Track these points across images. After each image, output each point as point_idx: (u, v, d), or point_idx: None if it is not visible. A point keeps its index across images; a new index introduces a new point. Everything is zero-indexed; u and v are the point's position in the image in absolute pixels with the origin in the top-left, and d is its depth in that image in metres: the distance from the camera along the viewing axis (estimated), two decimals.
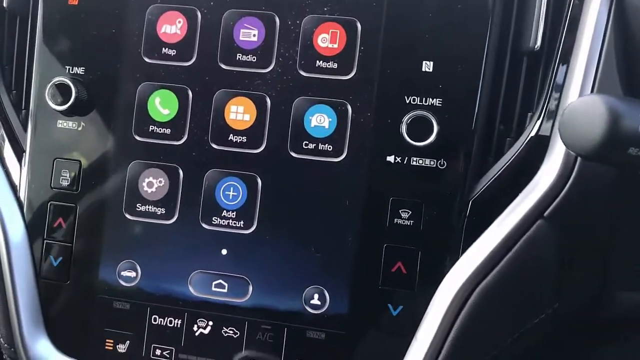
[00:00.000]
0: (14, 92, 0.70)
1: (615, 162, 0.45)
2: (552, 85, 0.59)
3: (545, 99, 0.59)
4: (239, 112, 0.62)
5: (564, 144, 0.45)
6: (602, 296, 0.62)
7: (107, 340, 0.63)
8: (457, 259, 0.58)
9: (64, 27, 0.65)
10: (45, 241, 0.65)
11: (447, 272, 0.58)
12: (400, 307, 0.59)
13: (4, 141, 0.68)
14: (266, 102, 0.61)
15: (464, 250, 0.58)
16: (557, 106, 0.59)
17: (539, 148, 0.58)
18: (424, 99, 0.59)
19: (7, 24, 0.70)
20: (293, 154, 0.61)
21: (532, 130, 0.59)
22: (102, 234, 0.64)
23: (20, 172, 0.66)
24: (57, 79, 0.63)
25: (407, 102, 0.59)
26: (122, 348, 0.63)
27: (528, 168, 0.58)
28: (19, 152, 0.67)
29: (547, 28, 0.60)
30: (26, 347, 0.63)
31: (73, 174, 0.64)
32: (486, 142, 0.60)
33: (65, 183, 0.64)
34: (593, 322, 0.67)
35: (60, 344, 0.64)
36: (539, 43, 0.59)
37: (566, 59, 0.58)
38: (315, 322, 0.60)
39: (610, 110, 0.40)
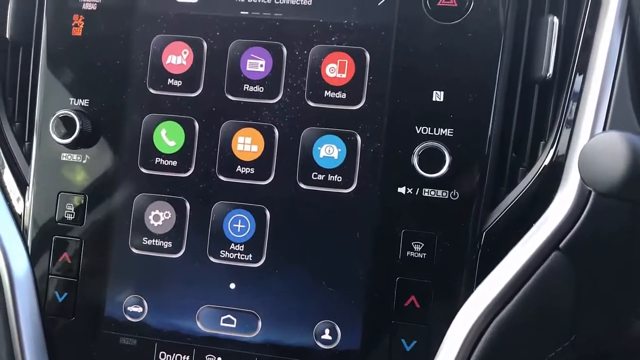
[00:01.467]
0: (17, 123, 0.69)
1: (634, 198, 0.44)
2: (565, 114, 0.58)
3: (558, 128, 0.59)
4: (247, 143, 0.61)
5: (584, 183, 0.44)
6: (620, 327, 0.60)
7: None
8: (472, 292, 0.57)
9: (68, 59, 0.65)
10: (49, 276, 0.64)
11: (462, 305, 0.57)
12: (414, 342, 0.58)
13: (7, 174, 0.67)
14: (274, 132, 0.61)
15: (478, 283, 0.57)
16: (571, 135, 0.58)
17: (552, 178, 0.58)
18: (435, 129, 0.58)
19: (10, 54, 0.69)
20: (302, 185, 0.60)
21: (545, 160, 0.59)
22: (108, 268, 0.63)
23: (23, 206, 0.66)
24: (60, 112, 0.62)
25: (418, 132, 0.58)
26: None
27: (542, 198, 0.58)
28: (22, 185, 0.66)
29: (558, 56, 0.59)
30: None
31: (78, 208, 0.64)
32: (499, 172, 0.60)
33: (69, 217, 0.64)
34: (611, 354, 0.66)
35: None
36: (550, 71, 0.59)
37: (578, 87, 0.58)
38: (326, 358, 0.59)
39: (631, 147, 0.39)
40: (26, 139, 0.68)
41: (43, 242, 0.64)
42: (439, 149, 0.57)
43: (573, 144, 0.57)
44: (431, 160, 0.57)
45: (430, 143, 0.57)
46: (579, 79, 0.58)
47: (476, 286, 0.57)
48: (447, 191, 0.58)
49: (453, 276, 0.58)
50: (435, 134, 0.58)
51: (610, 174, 0.40)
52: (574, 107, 0.58)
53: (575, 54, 0.58)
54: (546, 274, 0.56)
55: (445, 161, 0.56)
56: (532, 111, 0.60)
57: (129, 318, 0.63)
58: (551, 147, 0.58)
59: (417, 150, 0.57)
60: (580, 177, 0.44)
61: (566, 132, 0.58)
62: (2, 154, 0.67)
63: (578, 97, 0.58)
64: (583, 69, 0.58)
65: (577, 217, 0.56)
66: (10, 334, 0.63)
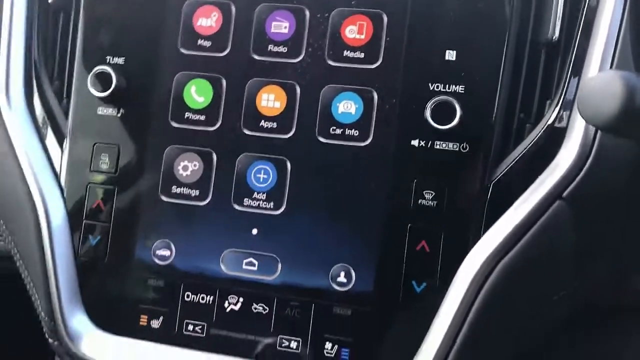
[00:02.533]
0: (57, 82, 0.73)
1: (633, 134, 0.47)
2: (570, 74, 0.61)
3: (563, 87, 0.61)
4: (270, 100, 0.64)
5: (582, 117, 0.47)
6: (622, 279, 0.63)
7: (141, 316, 0.65)
8: (479, 238, 0.59)
9: (105, 20, 0.68)
10: (84, 222, 0.67)
11: (469, 251, 0.59)
12: (424, 284, 0.60)
13: (47, 128, 0.71)
14: (296, 90, 0.64)
15: (485, 230, 0.59)
16: (575, 93, 0.60)
17: (557, 133, 0.60)
18: (447, 85, 0.61)
19: (52, 17, 0.73)
20: (321, 139, 0.63)
21: (550, 116, 0.61)
22: (139, 214, 0.66)
23: (61, 157, 0.69)
24: (98, 68, 0.66)
25: (431, 89, 0.61)
26: (155, 324, 0.65)
27: (547, 152, 0.60)
28: (60, 139, 0.70)
29: (565, 19, 0.62)
30: (65, 321, 0.66)
31: (112, 158, 0.66)
32: (507, 128, 0.62)
33: (104, 166, 0.67)
34: (613, 307, 0.68)
35: (96, 319, 0.67)
36: (557, 34, 0.62)
37: (583, 50, 0.60)
38: (341, 299, 0.62)
39: (627, 83, 0.43)
40: (65, 96, 0.72)
41: (78, 190, 0.67)
42: (450, 103, 0.59)
43: (575, 102, 0.59)
44: (443, 114, 0.59)
45: (442, 97, 0.60)
46: (583, 41, 0.60)
47: (483, 233, 0.59)
48: (458, 144, 0.61)
49: (461, 223, 0.60)
50: (447, 90, 0.61)
51: (607, 108, 0.44)
52: (578, 68, 0.60)
53: (580, 16, 0.61)
54: (549, 222, 0.58)
55: (456, 114, 0.59)
56: (539, 71, 0.63)
57: (157, 261, 0.65)
58: (556, 105, 0.61)
59: (430, 104, 0.60)
60: (579, 111, 0.47)
61: (571, 91, 0.60)
62: (43, 110, 0.71)
63: (582, 59, 0.60)
64: (588, 31, 0.60)
65: (580, 168, 0.57)
66: (47, 275, 0.66)
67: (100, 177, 0.67)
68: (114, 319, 0.66)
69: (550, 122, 0.61)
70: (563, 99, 0.61)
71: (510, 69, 0.62)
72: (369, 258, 0.62)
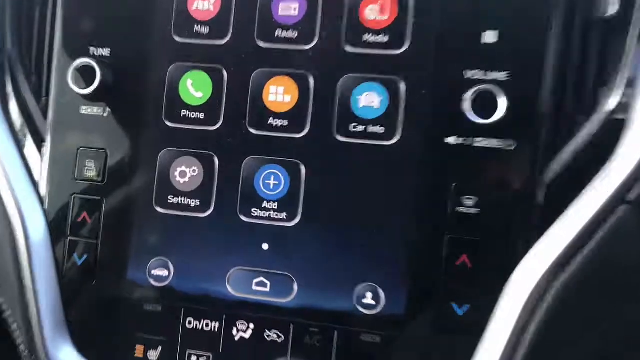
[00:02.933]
0: (34, 78, 0.66)
1: None
2: (631, 55, 0.54)
3: (623, 71, 0.54)
4: (279, 94, 0.58)
5: None
6: None
7: (137, 346, 0.60)
8: (530, 249, 0.53)
9: (88, 5, 0.61)
10: (68, 238, 0.61)
11: (518, 265, 0.53)
12: (467, 306, 0.54)
13: (23, 131, 0.64)
14: (309, 81, 0.57)
15: (536, 240, 0.53)
16: (635, 79, 0.53)
17: (615, 125, 0.53)
18: (486, 72, 0.54)
19: (27, 5, 0.66)
20: (340, 138, 0.57)
21: (607, 106, 0.54)
22: (131, 229, 0.60)
23: (40, 164, 0.63)
24: (80, 61, 0.59)
25: (468, 76, 0.54)
26: (153, 355, 0.59)
27: (605, 147, 0.53)
28: (38, 143, 0.64)
29: None
30: (49, 355, 0.59)
31: (99, 164, 0.61)
32: (557, 120, 0.55)
33: (90, 174, 0.61)
34: None
35: (85, 351, 0.61)
36: (616, 7, 0.55)
37: None
38: (368, 324, 0.56)
39: None
40: (44, 94, 0.65)
41: (61, 201, 0.61)
42: (492, 93, 0.52)
43: (638, 89, 0.52)
44: (484, 104, 0.53)
45: (483, 86, 0.53)
46: None
47: (535, 244, 0.53)
48: (503, 140, 0.53)
49: (508, 233, 0.53)
50: (486, 77, 0.54)
51: None
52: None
53: None
54: (614, 229, 0.51)
55: (499, 106, 0.52)
56: (593, 54, 0.56)
57: (153, 282, 0.59)
58: (615, 92, 0.54)
59: (469, 95, 0.53)
60: None
61: (630, 77, 0.53)
62: (19, 110, 0.64)
63: None
64: None
65: None
66: (26, 301, 0.59)
67: (85, 187, 0.61)
68: (106, 350, 0.61)
69: (608, 112, 0.54)
70: (622, 84, 0.54)
71: (559, 51, 0.55)
72: (400, 276, 0.55)
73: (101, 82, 0.58)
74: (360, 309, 0.55)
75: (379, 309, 0.55)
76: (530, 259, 0.52)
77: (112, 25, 0.60)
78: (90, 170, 0.60)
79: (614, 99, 0.54)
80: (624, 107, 0.53)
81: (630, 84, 0.53)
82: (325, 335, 0.56)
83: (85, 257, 0.60)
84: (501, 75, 0.53)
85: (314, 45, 0.57)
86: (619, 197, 0.51)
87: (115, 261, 0.60)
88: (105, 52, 0.60)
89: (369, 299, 0.55)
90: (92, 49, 0.60)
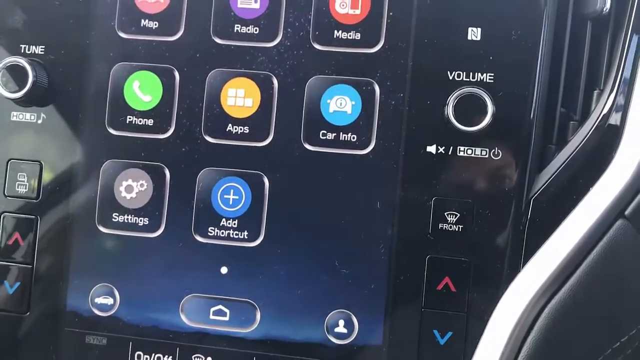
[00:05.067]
0: None
1: None
2: (625, 55, 0.50)
3: (617, 72, 0.51)
4: (239, 97, 0.54)
5: None
6: None
7: None
8: (518, 271, 0.49)
9: None
10: None
11: (506, 288, 0.49)
12: (449, 334, 0.50)
13: None
14: (272, 83, 0.53)
15: (525, 261, 0.50)
16: (631, 81, 0.50)
17: (610, 132, 0.50)
18: (471, 74, 0.50)
19: None
20: (308, 147, 0.53)
21: (601, 111, 0.51)
22: (71, 251, 0.55)
23: None
24: (9, 60, 0.54)
25: (451, 78, 0.50)
26: None
27: (599, 157, 0.50)
28: None
29: None
30: None
31: (32, 179, 0.56)
32: (547, 127, 0.52)
33: (22, 190, 0.56)
34: None
35: None
36: (607, 4, 0.51)
37: None
38: (341, 356, 0.51)
39: None
40: None
41: None
42: (479, 97, 0.48)
43: (635, 91, 0.49)
44: (470, 110, 0.48)
45: (468, 89, 0.48)
46: None
47: (523, 264, 0.50)
48: (487, 149, 0.50)
49: (495, 252, 0.50)
50: (471, 79, 0.50)
51: None
52: (634, 47, 0.50)
53: None
54: (610, 247, 0.48)
55: (487, 112, 0.48)
56: (585, 53, 0.52)
57: (97, 312, 0.55)
58: (608, 96, 0.50)
59: (451, 98, 0.49)
60: None
61: (626, 77, 0.50)
62: None
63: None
64: None
65: None
66: None
67: (17, 204, 0.56)
68: None
69: (601, 117, 0.51)
70: (617, 87, 0.51)
71: (550, 50, 0.51)
72: (376, 301, 0.51)
73: (34, 84, 0.54)
74: (332, 339, 0.52)
75: (352, 339, 0.51)
76: (519, 282, 0.49)
77: (47, 19, 0.56)
78: (23, 186, 0.55)
79: (608, 104, 0.50)
80: (617, 110, 0.50)
81: (624, 86, 0.50)
82: None
83: (17, 284, 0.55)
84: (486, 77, 0.49)
85: (278, 43, 0.53)
86: (615, 212, 0.48)
87: (52, 288, 0.55)
88: (38, 50, 0.56)
89: (341, 328, 0.51)
90: (23, 46, 0.56)
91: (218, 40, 0.53)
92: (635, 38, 0.50)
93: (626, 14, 0.51)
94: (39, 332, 0.54)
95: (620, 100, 0.50)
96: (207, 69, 0.54)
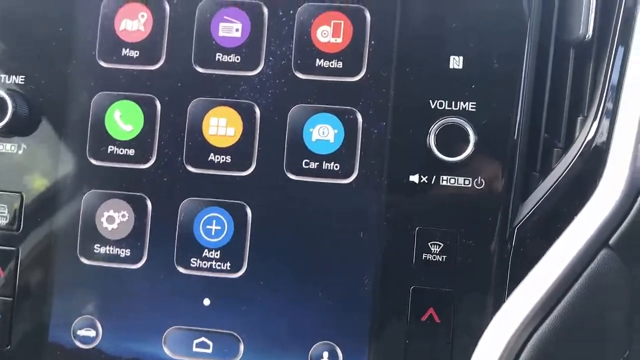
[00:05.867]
0: None
1: None
2: (608, 81, 0.50)
3: (600, 99, 0.50)
4: (221, 126, 0.53)
5: None
6: None
7: None
8: (503, 302, 0.49)
9: None
10: None
11: (491, 319, 0.48)
12: None
13: None
14: (255, 112, 0.52)
15: (510, 291, 0.49)
16: (615, 108, 0.50)
17: (594, 160, 0.49)
18: (453, 102, 0.49)
19: None
20: (291, 176, 0.52)
21: (585, 138, 0.50)
22: (52, 284, 0.54)
23: None
24: None
25: (433, 107, 0.49)
26: None
27: (582, 186, 0.49)
28: None
29: (598, 12, 0.51)
30: None
31: (13, 210, 0.55)
32: (530, 155, 0.51)
33: (3, 221, 0.55)
34: None
35: None
36: (589, 32, 0.51)
37: (624, 48, 0.49)
38: None
39: None
40: None
41: None
42: (460, 127, 0.48)
43: (619, 119, 0.49)
44: (452, 140, 0.48)
45: (450, 119, 0.48)
46: (624, 38, 0.49)
47: (508, 295, 0.49)
48: (471, 179, 0.49)
49: (479, 282, 0.49)
50: (454, 108, 0.49)
51: None
52: (618, 74, 0.49)
53: (618, 7, 0.50)
54: (594, 277, 0.47)
55: (469, 141, 0.47)
56: (568, 80, 0.52)
57: (79, 344, 0.54)
58: (592, 123, 0.50)
59: (433, 128, 0.48)
60: None
61: (609, 104, 0.49)
62: None
63: (624, 61, 0.49)
64: (629, 25, 0.49)
65: (628, 208, 0.48)
66: None
67: None
68: None
69: (585, 144, 0.50)
70: (600, 114, 0.50)
71: (532, 77, 0.51)
72: (360, 333, 0.50)
73: (14, 115, 0.53)
74: None
75: None
76: (504, 313, 0.48)
77: (27, 49, 0.55)
78: (3, 217, 0.55)
79: (593, 130, 0.49)
80: (601, 137, 0.49)
81: (608, 112, 0.49)
82: None
83: None
84: (468, 106, 0.49)
85: (259, 72, 0.53)
86: (599, 241, 0.48)
87: (34, 321, 0.54)
88: (18, 80, 0.55)
89: (325, 359, 0.50)
90: (3, 76, 0.55)
91: (199, 69, 0.52)
92: (618, 64, 0.50)
93: (609, 41, 0.50)
94: None
95: (604, 127, 0.49)
96: (188, 98, 0.53)
